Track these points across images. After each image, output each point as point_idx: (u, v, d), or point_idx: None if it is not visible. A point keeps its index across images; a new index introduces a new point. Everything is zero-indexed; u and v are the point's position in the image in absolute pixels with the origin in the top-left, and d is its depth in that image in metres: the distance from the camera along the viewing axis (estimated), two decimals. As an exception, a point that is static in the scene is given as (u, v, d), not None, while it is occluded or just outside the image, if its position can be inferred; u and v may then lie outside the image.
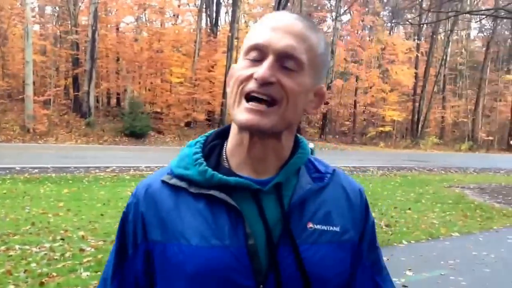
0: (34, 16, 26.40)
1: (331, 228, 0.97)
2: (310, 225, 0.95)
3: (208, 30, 30.21)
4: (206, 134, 1.06)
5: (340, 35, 35.80)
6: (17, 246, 5.53)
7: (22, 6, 22.82)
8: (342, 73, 36.25)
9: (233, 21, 27.60)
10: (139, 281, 1.00)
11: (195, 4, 32.08)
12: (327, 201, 0.99)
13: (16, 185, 9.42)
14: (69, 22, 26.73)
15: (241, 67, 0.93)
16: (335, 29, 33.73)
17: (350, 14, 38.60)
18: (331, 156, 21.88)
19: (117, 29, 28.97)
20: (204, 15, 30.19)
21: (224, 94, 26.62)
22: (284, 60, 0.90)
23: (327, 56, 1.00)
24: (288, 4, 31.58)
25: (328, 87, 32.84)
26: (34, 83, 22.18)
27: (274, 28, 0.92)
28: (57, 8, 30.30)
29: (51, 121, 21.70)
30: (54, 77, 26.05)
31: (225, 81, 26.70)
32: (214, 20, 30.88)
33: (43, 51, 27.02)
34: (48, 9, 32.10)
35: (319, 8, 42.11)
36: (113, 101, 29.77)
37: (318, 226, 0.96)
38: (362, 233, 1.04)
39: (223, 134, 1.04)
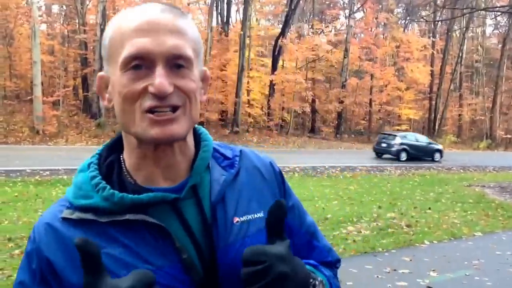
0: (41, 15, 26.61)
1: (255, 215, 0.95)
2: (236, 219, 0.92)
3: (219, 28, 30.21)
4: (97, 151, 0.97)
5: (353, 32, 35.73)
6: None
7: (29, 5, 22.97)
8: (357, 72, 36.19)
9: (245, 19, 27.64)
10: None
11: (205, 2, 32.19)
12: (244, 187, 0.97)
13: (27, 188, 9.44)
14: (76, 21, 26.88)
15: (126, 82, 0.84)
16: (348, 27, 33.78)
17: (364, 12, 38.45)
18: (347, 155, 22.14)
19: (126, 28, 28.96)
20: (214, 13, 30.14)
21: (237, 93, 26.59)
22: (173, 61, 0.84)
23: (199, 41, 0.92)
24: (301, 1, 31.64)
25: (343, 86, 32.94)
26: (42, 83, 22.29)
27: (146, 30, 0.83)
28: (64, 6, 30.48)
29: (60, 122, 21.82)
30: (63, 77, 26.21)
31: (237, 80, 26.85)
32: (225, 18, 30.86)
33: (51, 51, 27.21)
34: (55, 8, 32.34)
35: (331, 5, 41.94)
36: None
37: (244, 218, 0.93)
38: (284, 193, 1.05)
39: (117, 147, 0.97)
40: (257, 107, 29.76)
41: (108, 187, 0.87)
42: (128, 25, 0.85)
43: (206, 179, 0.94)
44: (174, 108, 0.84)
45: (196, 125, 0.98)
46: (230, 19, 32.29)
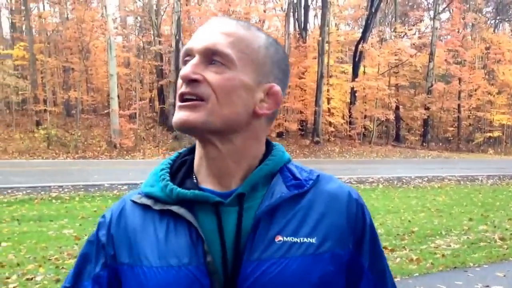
0: (116, 28, 26.96)
1: (304, 239, 0.93)
2: (279, 238, 0.92)
3: (297, 35, 29.57)
4: (181, 150, 1.07)
5: (439, 35, 34.35)
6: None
7: (104, 18, 23.17)
8: (443, 76, 34.88)
9: (323, 24, 26.87)
10: None
11: (282, 9, 31.61)
12: (303, 209, 0.95)
13: (106, 203, 9.44)
14: (151, 32, 27.01)
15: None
16: (433, 29, 32.41)
17: (450, 12, 37.10)
18: (435, 165, 21.18)
19: (201, 37, 28.92)
20: (291, 19, 29.59)
21: (317, 102, 25.79)
22: (210, 56, 0.91)
23: (274, 54, 0.98)
24: (381, 4, 30.43)
25: (429, 91, 31.67)
26: (118, 96, 22.54)
27: (200, 31, 0.95)
28: (139, 18, 30.85)
29: (137, 136, 21.89)
30: (139, 90, 26.41)
31: (316, 88, 26.01)
32: (302, 24, 30.17)
33: (126, 64, 27.52)
34: (130, 20, 32.95)
35: (414, 7, 40.51)
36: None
37: (289, 238, 0.92)
38: (358, 243, 0.99)
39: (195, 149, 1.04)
40: (338, 115, 28.87)
41: (167, 179, 0.97)
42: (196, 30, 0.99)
43: (261, 192, 0.95)
44: (199, 98, 0.90)
45: (274, 143, 1.05)
46: (307, 25, 31.58)
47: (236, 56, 0.92)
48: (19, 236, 6.80)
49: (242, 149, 0.97)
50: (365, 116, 29.75)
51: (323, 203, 0.97)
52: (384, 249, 6.27)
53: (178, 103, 0.92)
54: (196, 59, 0.92)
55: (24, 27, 25.78)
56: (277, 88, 0.98)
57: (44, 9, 27.91)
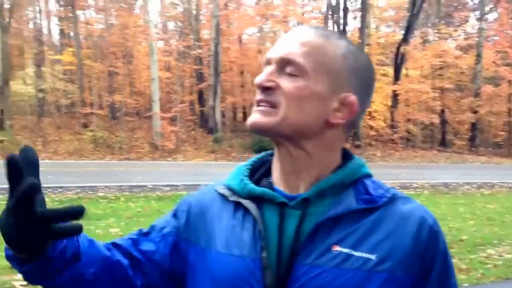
0: (157, 33, 27.58)
1: (363, 254, 0.92)
2: (336, 248, 0.93)
3: (336, 38, 29.39)
4: (269, 152, 1.11)
5: (486, 36, 33.20)
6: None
7: (146, 24, 23.79)
8: (492, 78, 33.68)
9: (363, 26, 26.77)
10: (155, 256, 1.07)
11: (320, 11, 31.52)
12: (368, 225, 0.95)
13: (149, 203, 9.79)
14: (191, 36, 27.50)
15: None
16: (480, 30, 31.53)
17: (497, 12, 35.74)
18: (484, 170, 20.54)
19: (240, 41, 29.34)
20: (330, 22, 29.49)
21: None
22: (284, 66, 0.96)
23: (353, 63, 0.99)
24: (424, 5, 29.97)
25: (476, 94, 30.72)
26: (160, 100, 22.97)
27: (280, 41, 1.00)
28: (179, 23, 31.44)
29: (178, 138, 22.29)
30: (179, 93, 26.89)
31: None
32: (341, 26, 30.01)
33: (167, 67, 28.07)
34: (171, 25, 33.57)
35: (459, 7, 39.53)
36: (239, 115, 30.07)
37: (346, 250, 0.93)
38: (426, 271, 0.96)
39: None
40: (379, 119, 28.44)
41: (246, 174, 1.05)
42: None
43: (328, 201, 0.97)
44: (273, 105, 0.95)
45: (353, 156, 1.06)
46: (346, 27, 31.37)
47: (309, 66, 0.95)
48: (69, 234, 7.18)
49: (313, 156, 0.99)
50: (408, 120, 29.28)
51: (392, 222, 0.96)
52: None
53: (254, 107, 0.99)
54: (271, 68, 0.97)
55: (72, 33, 26.78)
56: (352, 97, 0.99)
57: (90, 16, 28.88)
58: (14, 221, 0.82)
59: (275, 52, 0.98)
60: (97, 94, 25.98)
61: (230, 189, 1.05)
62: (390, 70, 30.01)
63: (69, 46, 25.70)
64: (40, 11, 29.29)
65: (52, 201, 9.61)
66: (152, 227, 1.12)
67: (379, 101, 29.09)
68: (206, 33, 28.03)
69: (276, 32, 30.46)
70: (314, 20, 31.49)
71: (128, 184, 12.00)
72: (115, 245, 1.08)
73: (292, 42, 0.97)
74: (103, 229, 7.51)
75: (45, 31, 31.19)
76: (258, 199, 0.99)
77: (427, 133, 33.72)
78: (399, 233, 0.95)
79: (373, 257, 0.92)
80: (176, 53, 29.72)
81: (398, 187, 13.48)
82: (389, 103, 29.08)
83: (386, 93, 29.39)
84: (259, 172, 1.08)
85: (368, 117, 27.53)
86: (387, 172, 17.30)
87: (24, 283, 4.95)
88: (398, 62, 28.20)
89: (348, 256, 0.92)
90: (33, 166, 0.84)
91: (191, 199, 1.12)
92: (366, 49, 26.41)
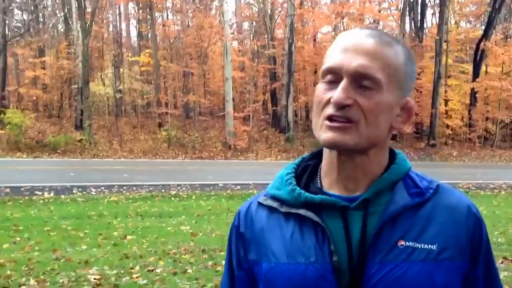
0: (232, 33, 27.92)
1: (425, 246, 0.97)
2: (402, 242, 0.96)
3: (413, 34, 28.60)
4: (303, 156, 1.13)
5: None
6: (223, 262, 5.16)
7: (221, 24, 24.13)
8: None
9: (441, 23, 25.80)
10: None
11: (397, 8, 30.72)
12: (424, 217, 0.99)
13: (220, 202, 9.96)
14: (265, 36, 27.63)
15: (320, 91, 0.98)
16: None
17: None
18: None
19: (314, 40, 29.13)
20: (407, 18, 28.67)
21: (433, 104, 24.82)
22: (360, 80, 0.94)
23: (410, 67, 1.01)
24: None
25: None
26: (233, 99, 23.32)
27: (345, 49, 0.96)
28: (254, 23, 31.67)
29: (250, 137, 22.51)
30: (252, 93, 27.13)
31: (433, 89, 25.04)
32: (419, 23, 29.13)
33: (241, 67, 28.37)
34: (246, 25, 33.90)
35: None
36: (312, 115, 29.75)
37: (411, 243, 0.96)
38: (475, 256, 1.02)
39: (319, 155, 1.08)
40: (456, 118, 27.43)
41: (294, 183, 1.04)
42: (337, 44, 0.99)
43: (385, 198, 1.00)
44: (349, 121, 0.94)
45: (396, 151, 1.09)
46: (424, 23, 30.41)
47: (384, 80, 0.95)
48: (142, 230, 7.42)
49: (374, 160, 1.02)
50: (487, 118, 28.08)
51: (444, 213, 1.01)
52: (505, 260, 5.95)
53: (326, 122, 0.95)
54: (345, 82, 0.94)
55: (149, 35, 27.68)
56: (412, 103, 1.02)
57: (167, 18, 29.71)
58: None
59: (346, 62, 0.94)
60: (172, 94, 26.69)
61: (276, 199, 1.04)
62: (469, 67, 28.86)
63: (146, 48, 26.56)
64: (119, 14, 30.52)
65: (126, 198, 9.99)
66: (228, 279, 1.14)
67: (456, 99, 28.07)
68: (280, 33, 28.08)
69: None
70: (391, 17, 30.82)
71: (199, 183, 12.23)
72: None
73: (362, 53, 0.95)
74: (174, 226, 7.71)
75: (124, 33, 32.54)
76: (315, 207, 0.99)
77: (506, 132, 32.01)
78: (452, 223, 1.00)
79: (434, 247, 0.97)
80: (250, 53, 30.01)
81: (474, 188, 13.06)
82: (467, 101, 28.00)
83: (464, 91, 28.32)
84: (304, 178, 1.07)
85: (445, 116, 26.63)
86: (463, 172, 16.73)
87: (98, 276, 5.18)
88: (478, 59, 27.14)
89: (414, 249, 0.96)
90: None
91: (239, 220, 1.11)
92: (444, 45, 25.53)
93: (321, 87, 0.98)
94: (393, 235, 0.97)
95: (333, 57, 0.96)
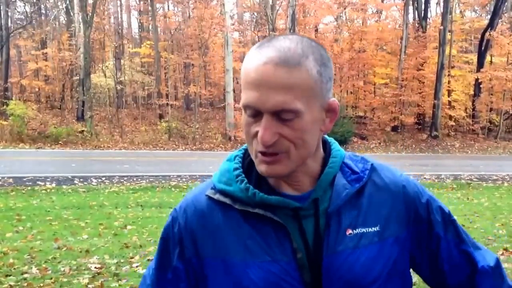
0: (233, 24, 27.89)
1: (370, 229, 1.04)
2: (349, 231, 1.03)
3: (416, 24, 28.48)
4: (244, 146, 1.10)
5: None
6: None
7: (222, 15, 24.13)
8: None
9: (446, 12, 25.57)
10: None
11: (400, -3, 30.55)
12: (365, 201, 1.06)
13: None
14: (266, 27, 27.59)
15: (246, 123, 0.99)
16: None
17: None
18: None
19: (316, 30, 29.07)
20: (411, 8, 28.49)
21: (436, 94, 24.76)
22: (279, 113, 0.94)
23: (325, 73, 0.98)
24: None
25: None
26: (234, 90, 23.31)
27: (258, 85, 0.93)
28: (255, 14, 31.62)
29: (251, 129, 22.40)
30: (253, 84, 26.96)
31: (436, 79, 24.98)
32: (422, 13, 28.99)
33: (242, 58, 28.19)
34: (247, 16, 33.84)
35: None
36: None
37: (358, 230, 1.03)
38: (426, 217, 1.10)
39: None
40: (459, 109, 27.22)
41: (246, 180, 1.04)
42: (247, 73, 0.95)
43: (329, 192, 1.05)
44: (280, 152, 0.96)
45: (329, 138, 1.12)
46: (428, 13, 30.23)
47: (302, 106, 0.94)
48: (142, 220, 7.54)
49: (310, 163, 1.05)
50: (491, 109, 27.95)
51: (382, 192, 1.08)
52: (505, 251, 6.01)
53: (259, 156, 0.97)
54: (266, 120, 0.94)
55: (150, 26, 27.72)
56: (335, 102, 1.02)
57: (168, 9, 29.71)
58: None
59: (261, 102, 0.93)
60: (172, 86, 26.79)
61: (227, 195, 1.05)
62: (473, 58, 28.71)
63: (147, 39, 26.61)
64: (120, 6, 30.55)
65: (127, 189, 10.11)
66: (159, 269, 1.15)
67: (460, 90, 27.93)
68: (282, 23, 28.04)
69: (355, 20, 30.00)
70: (394, 7, 30.68)
71: (200, 174, 12.33)
72: None
73: (273, 88, 0.92)
74: (174, 217, 7.80)
75: (125, 25, 32.58)
76: (270, 206, 1.02)
77: (511, 123, 31.93)
78: (390, 199, 1.08)
79: (377, 228, 1.05)
80: (251, 43, 29.99)
81: (476, 179, 13.00)
82: (471, 92, 27.87)
83: (468, 82, 28.19)
84: (253, 174, 1.06)
85: (447, 107, 26.52)
86: (465, 164, 16.69)
87: (99, 265, 5.31)
88: (482, 49, 26.94)
89: (362, 234, 1.04)
90: None
91: (186, 214, 1.09)
92: (448, 35, 25.42)
93: (245, 119, 0.98)
94: (341, 226, 1.02)
95: (247, 94, 0.95)
